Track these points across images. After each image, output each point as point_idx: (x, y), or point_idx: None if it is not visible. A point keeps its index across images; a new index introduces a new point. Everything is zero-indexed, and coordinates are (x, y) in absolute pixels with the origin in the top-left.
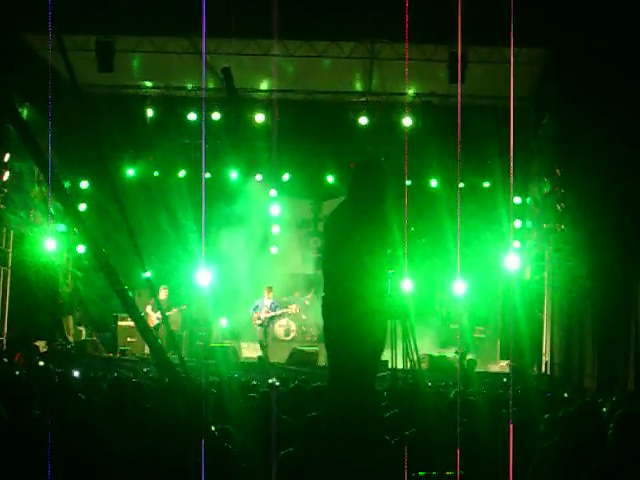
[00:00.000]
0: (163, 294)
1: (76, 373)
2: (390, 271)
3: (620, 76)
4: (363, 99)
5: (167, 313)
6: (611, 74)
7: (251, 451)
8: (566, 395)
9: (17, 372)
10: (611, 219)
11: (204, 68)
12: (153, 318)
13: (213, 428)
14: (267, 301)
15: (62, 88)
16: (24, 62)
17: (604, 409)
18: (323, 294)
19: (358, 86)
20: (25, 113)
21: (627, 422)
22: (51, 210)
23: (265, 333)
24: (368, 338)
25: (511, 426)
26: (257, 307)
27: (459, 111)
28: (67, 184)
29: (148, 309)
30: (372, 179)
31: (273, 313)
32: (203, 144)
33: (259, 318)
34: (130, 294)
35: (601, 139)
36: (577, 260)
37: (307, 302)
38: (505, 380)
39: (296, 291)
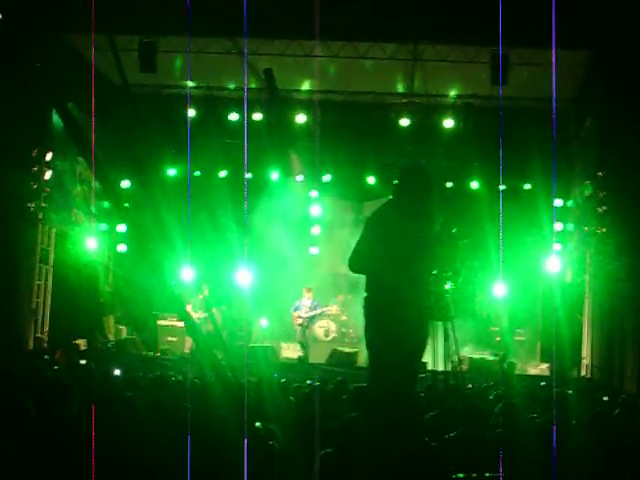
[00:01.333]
0: (203, 294)
1: (117, 371)
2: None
3: None
4: (405, 100)
5: (205, 315)
6: None
7: (293, 450)
8: (606, 398)
9: (56, 367)
10: None
11: (245, 68)
12: (194, 317)
13: (258, 424)
14: (307, 301)
15: (107, 88)
16: (68, 61)
17: None
18: (365, 293)
19: (400, 87)
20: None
21: None
22: (93, 209)
23: (304, 333)
24: (411, 339)
25: (554, 428)
26: (297, 307)
27: (500, 113)
28: (111, 183)
29: (189, 308)
30: (418, 183)
31: (313, 313)
32: (245, 144)
33: (299, 317)
34: (176, 292)
35: None
36: (618, 263)
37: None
38: (544, 383)
39: (336, 292)
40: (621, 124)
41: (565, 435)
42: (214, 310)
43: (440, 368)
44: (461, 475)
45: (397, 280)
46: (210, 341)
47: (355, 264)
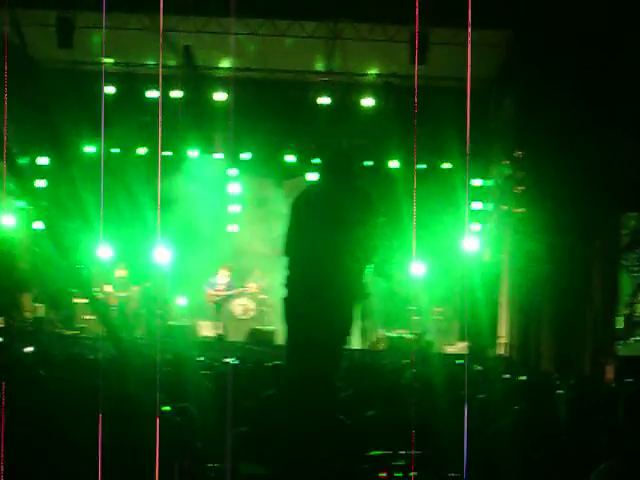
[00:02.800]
0: (121, 272)
1: (29, 349)
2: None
3: (582, 59)
4: (324, 79)
5: (127, 293)
6: (574, 57)
7: (210, 429)
8: (522, 378)
9: None
10: (570, 201)
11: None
12: (114, 296)
13: (167, 408)
14: (223, 279)
15: (22, 62)
16: None
17: (560, 391)
18: (287, 273)
19: (319, 66)
20: None
21: (578, 403)
22: (8, 186)
23: (219, 311)
24: (331, 319)
25: (466, 407)
26: (212, 284)
27: (416, 92)
28: (26, 160)
29: (109, 288)
30: (342, 166)
31: (229, 292)
32: (159, 121)
33: (214, 295)
34: (85, 272)
35: (562, 122)
36: (536, 242)
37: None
38: (461, 361)
39: (255, 270)
40: (540, 104)
41: (481, 413)
42: (135, 288)
43: (357, 347)
44: (376, 453)
45: (318, 261)
46: (125, 320)
47: (284, 247)
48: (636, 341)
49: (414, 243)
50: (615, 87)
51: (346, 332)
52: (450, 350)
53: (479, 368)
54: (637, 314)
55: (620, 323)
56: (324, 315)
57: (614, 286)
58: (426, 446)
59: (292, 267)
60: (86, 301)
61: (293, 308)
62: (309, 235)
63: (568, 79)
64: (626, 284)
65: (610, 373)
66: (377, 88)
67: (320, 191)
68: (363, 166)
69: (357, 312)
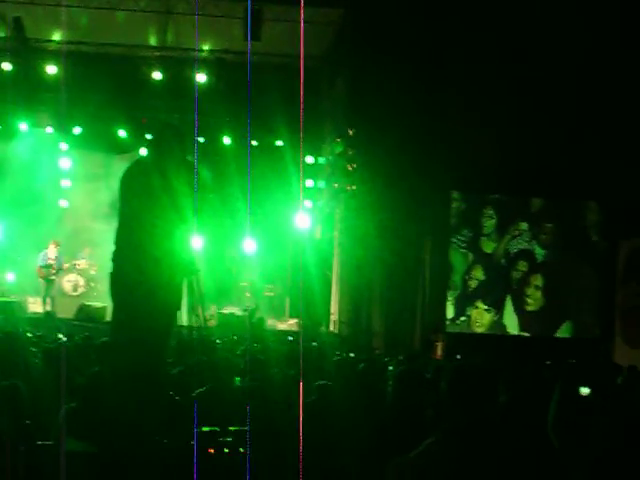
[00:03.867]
0: None
1: None
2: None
3: (412, 38)
4: (157, 54)
5: None
6: (405, 36)
7: (39, 406)
8: (352, 355)
9: None
10: (400, 179)
11: None
12: None
13: None
14: (52, 254)
15: None
16: None
17: (390, 367)
18: (114, 248)
19: (152, 40)
20: None
21: (404, 379)
22: None
23: (50, 287)
24: (158, 295)
25: (301, 383)
26: (41, 260)
27: (249, 68)
28: None
29: None
30: (170, 140)
31: (59, 267)
32: None
33: (44, 271)
34: None
35: (392, 100)
36: (366, 219)
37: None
38: (292, 338)
39: (85, 245)
40: (371, 83)
41: (312, 389)
42: None
43: (187, 323)
44: (206, 429)
45: (145, 236)
46: None
47: (116, 223)
48: (465, 320)
49: (247, 220)
50: (448, 68)
51: (175, 308)
52: (282, 327)
53: (313, 344)
54: (470, 290)
55: (451, 302)
56: (152, 291)
57: (444, 264)
58: (256, 422)
59: (119, 242)
60: None
61: (120, 284)
62: (135, 209)
63: (400, 58)
64: (459, 262)
65: (439, 350)
66: (210, 64)
67: (148, 164)
68: (196, 142)
69: (186, 288)
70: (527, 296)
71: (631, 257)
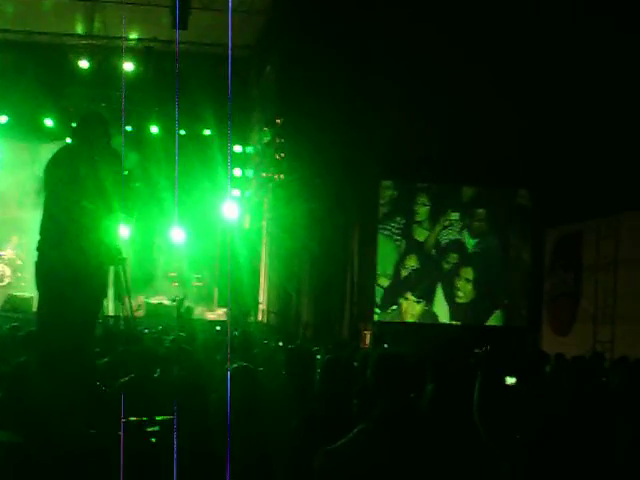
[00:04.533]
0: None
1: None
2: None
3: (341, 27)
4: (84, 42)
5: None
6: (334, 25)
7: None
8: (281, 344)
9: None
10: (329, 168)
11: None
12: None
13: None
14: None
15: None
16: None
17: (318, 356)
18: (40, 237)
19: (79, 29)
20: None
21: (331, 368)
22: None
23: None
24: (82, 285)
25: (228, 373)
26: None
27: (177, 57)
28: None
29: None
30: (94, 127)
31: None
32: None
33: None
34: None
35: (320, 89)
36: (295, 209)
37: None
38: (220, 328)
39: (11, 235)
40: (299, 72)
41: (243, 378)
42: None
43: (113, 313)
44: (133, 419)
45: (69, 224)
46: None
47: (41, 210)
48: (396, 309)
49: (175, 209)
50: (377, 57)
51: (100, 297)
52: (210, 316)
53: (235, 333)
54: (401, 280)
55: (382, 291)
56: (77, 280)
57: (373, 254)
58: (184, 411)
59: (44, 231)
60: None
61: (45, 273)
62: (61, 197)
63: (329, 47)
64: (392, 251)
65: (368, 339)
66: (138, 53)
67: (73, 152)
68: (124, 130)
69: (113, 277)
70: (457, 289)
71: (558, 245)
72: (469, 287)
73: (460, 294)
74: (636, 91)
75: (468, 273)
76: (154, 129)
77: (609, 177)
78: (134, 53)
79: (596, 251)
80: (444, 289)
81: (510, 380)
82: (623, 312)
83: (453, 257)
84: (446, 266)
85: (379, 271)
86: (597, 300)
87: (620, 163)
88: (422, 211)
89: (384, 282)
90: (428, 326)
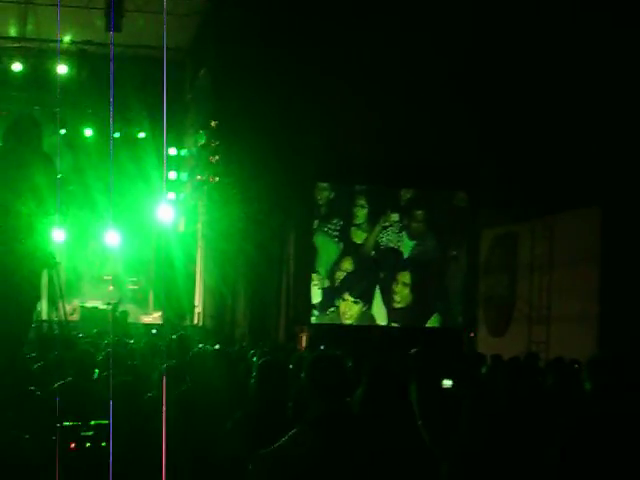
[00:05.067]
0: None
1: None
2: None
3: (277, 30)
4: (17, 45)
5: None
6: (269, 28)
7: None
8: (217, 347)
9: None
10: (264, 170)
11: None
12: None
13: None
14: None
15: None
16: None
17: (254, 358)
18: None
19: (12, 31)
20: None
21: (266, 370)
22: None
23: None
24: (15, 289)
25: (164, 377)
26: None
27: (112, 60)
28: None
29: None
30: (25, 130)
31: None
32: None
33: None
34: None
35: (255, 92)
36: (230, 212)
37: None
38: (155, 331)
39: None
40: (234, 74)
41: (178, 379)
42: None
43: (47, 317)
44: (67, 424)
45: (2, 228)
46: None
47: None
48: (334, 310)
49: (110, 212)
50: (312, 59)
51: (34, 302)
52: (146, 320)
53: (173, 337)
54: (338, 282)
55: (319, 293)
56: (9, 284)
57: (310, 256)
58: (119, 415)
59: None
60: None
61: None
62: None
63: (263, 49)
64: (329, 253)
65: (304, 341)
66: (72, 55)
67: (4, 155)
68: (58, 133)
69: (46, 281)
70: (395, 293)
71: (494, 246)
72: (406, 291)
73: (397, 298)
74: (572, 93)
75: (405, 277)
76: (88, 132)
77: (544, 178)
78: (68, 56)
79: (531, 252)
80: (382, 292)
81: (447, 383)
82: (558, 312)
83: (391, 261)
84: (384, 271)
85: (319, 273)
86: (532, 301)
87: (554, 164)
88: (361, 214)
89: (324, 283)
90: (365, 328)
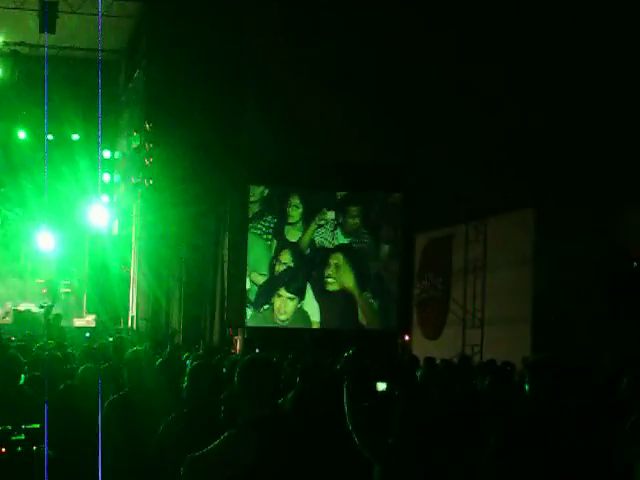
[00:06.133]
0: None
1: None
2: None
3: (211, 32)
4: None
5: None
6: (203, 30)
7: None
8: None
9: None
10: (198, 173)
11: None
12: None
13: None
14: None
15: None
16: None
17: (188, 361)
18: None
19: None
20: None
21: (198, 374)
22: None
23: None
24: None
25: (99, 380)
26: None
27: (46, 61)
28: None
29: None
30: None
31: None
32: None
33: None
34: None
35: (189, 94)
36: (165, 214)
37: None
38: (89, 334)
39: None
40: (168, 76)
41: (113, 381)
42: None
43: None
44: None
45: None
46: None
47: None
48: (268, 308)
49: (43, 215)
50: (246, 60)
51: None
52: (79, 323)
53: (110, 339)
54: (276, 276)
55: (254, 291)
56: None
57: (244, 258)
58: (53, 420)
59: None
60: None
61: None
62: None
63: (198, 52)
64: (263, 250)
65: (239, 344)
66: (5, 57)
67: None
68: None
69: None
70: (328, 291)
71: (426, 250)
72: (340, 276)
73: (331, 295)
74: (506, 94)
75: (339, 258)
76: (22, 134)
77: (477, 181)
78: (1, 57)
79: (465, 255)
80: (314, 288)
81: (381, 386)
82: (491, 316)
83: (325, 260)
84: (318, 269)
85: (254, 270)
86: (466, 304)
87: (488, 167)
88: (295, 213)
89: (259, 280)
90: (299, 330)
